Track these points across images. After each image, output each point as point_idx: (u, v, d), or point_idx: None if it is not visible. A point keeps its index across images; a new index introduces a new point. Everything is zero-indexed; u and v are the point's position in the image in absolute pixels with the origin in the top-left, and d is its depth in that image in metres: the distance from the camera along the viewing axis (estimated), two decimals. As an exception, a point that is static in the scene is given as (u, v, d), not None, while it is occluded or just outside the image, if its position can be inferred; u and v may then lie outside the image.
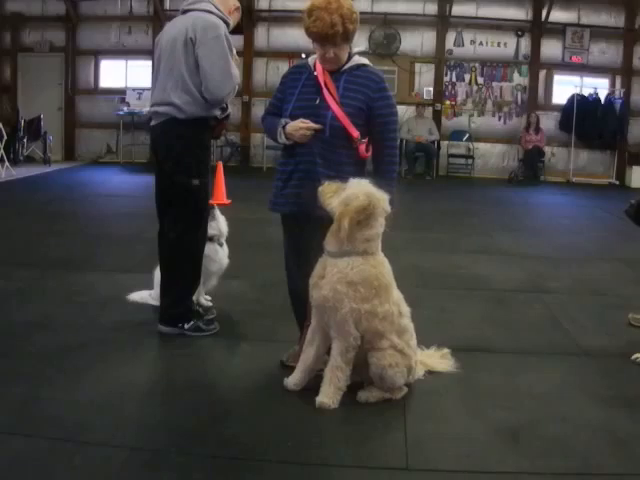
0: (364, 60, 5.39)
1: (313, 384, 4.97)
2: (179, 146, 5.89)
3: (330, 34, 5.07)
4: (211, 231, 6.47)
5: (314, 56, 5.35)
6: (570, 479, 4.10)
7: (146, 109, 6.81)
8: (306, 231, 5.26)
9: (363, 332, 4.87)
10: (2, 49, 21.04)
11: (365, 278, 4.88)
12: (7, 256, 8.70)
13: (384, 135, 5.30)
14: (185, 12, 6.00)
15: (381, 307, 4.98)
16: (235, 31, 6.07)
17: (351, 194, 4.73)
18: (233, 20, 6.10)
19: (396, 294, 5.24)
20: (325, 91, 5.19)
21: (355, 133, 5.16)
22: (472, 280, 8.48)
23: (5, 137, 17.27)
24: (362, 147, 5.26)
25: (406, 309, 5.30)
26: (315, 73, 5.26)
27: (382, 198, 4.97)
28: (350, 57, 5.32)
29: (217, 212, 6.60)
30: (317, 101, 5.21)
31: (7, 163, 17.01)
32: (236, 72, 5.91)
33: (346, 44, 5.24)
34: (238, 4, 6.20)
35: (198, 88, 5.75)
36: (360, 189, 4.80)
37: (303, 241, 5.34)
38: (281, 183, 5.44)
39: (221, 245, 6.63)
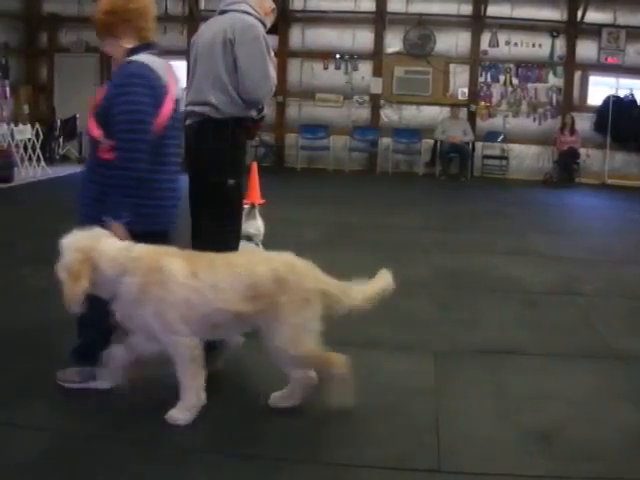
0: (139, 57, 4.98)
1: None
2: (214, 146, 5.89)
3: (96, 29, 5.00)
4: (251, 230, 6.46)
5: None
6: (600, 483, 4.09)
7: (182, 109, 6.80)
8: None
9: None
10: (39, 49, 21.18)
11: None
12: (40, 254, 8.72)
13: (116, 135, 4.79)
14: (223, 13, 6.00)
15: None
16: (270, 32, 6.09)
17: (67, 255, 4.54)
18: (269, 21, 6.12)
19: None
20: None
21: (95, 132, 4.90)
22: (505, 281, 8.45)
23: (41, 136, 17.37)
24: (102, 149, 4.90)
25: None
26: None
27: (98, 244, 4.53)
28: (134, 53, 4.99)
29: (257, 212, 6.59)
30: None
31: (43, 162, 17.10)
32: (274, 73, 5.92)
33: (111, 39, 5.03)
34: (274, 5, 6.21)
35: (235, 88, 5.75)
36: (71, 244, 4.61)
37: None
38: None
39: (258, 245, 6.63)
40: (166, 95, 4.96)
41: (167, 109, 4.97)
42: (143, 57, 4.97)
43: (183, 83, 5.41)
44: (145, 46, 5.08)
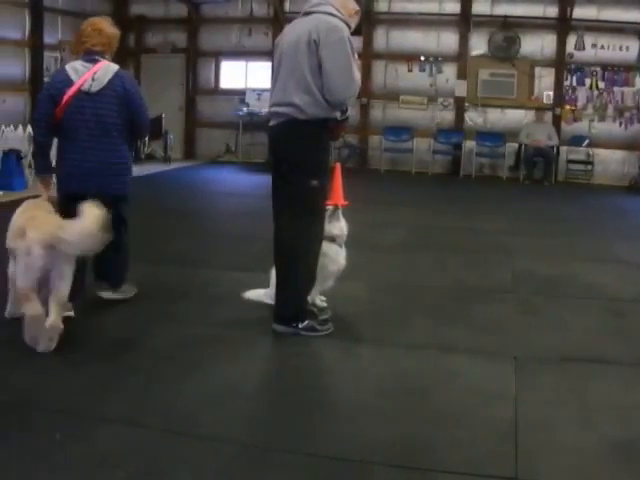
0: (69, 63, 6.69)
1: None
2: (298, 146, 5.93)
3: None
4: (335, 231, 6.48)
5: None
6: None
7: (265, 109, 6.93)
8: None
9: None
10: (127, 50, 21.46)
11: None
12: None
13: None
14: (307, 14, 6.04)
15: None
16: (354, 33, 6.10)
17: None
18: (353, 23, 6.14)
19: None
20: None
21: None
22: (589, 289, 8.32)
23: (128, 135, 17.60)
24: None
25: None
26: None
27: None
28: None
29: (340, 213, 6.61)
30: None
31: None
32: (358, 74, 5.94)
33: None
34: (358, 7, 6.23)
35: (320, 89, 5.78)
36: None
37: None
38: None
39: (340, 246, 6.64)
40: (68, 88, 6.38)
41: (66, 98, 6.37)
42: (71, 63, 6.59)
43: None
44: (82, 55, 6.58)
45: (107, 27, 6.66)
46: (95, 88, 6.43)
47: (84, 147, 6.49)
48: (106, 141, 6.54)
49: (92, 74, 6.42)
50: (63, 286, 5.55)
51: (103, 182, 6.53)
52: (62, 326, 5.50)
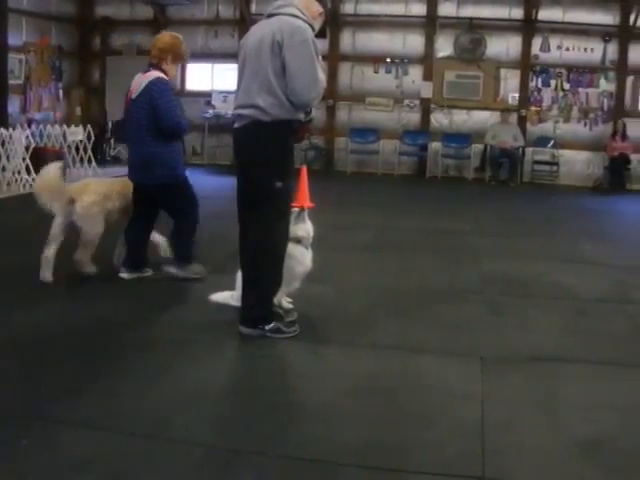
0: None
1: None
2: (263, 148, 5.93)
3: None
4: (300, 233, 6.48)
5: (159, 73, 7.66)
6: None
7: (231, 111, 7.00)
8: None
9: None
10: (91, 52, 21.43)
11: None
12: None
13: None
14: (271, 16, 6.04)
15: None
16: (318, 35, 6.11)
17: None
18: (317, 24, 6.15)
19: None
20: None
21: None
22: (555, 289, 8.38)
23: (93, 138, 17.53)
24: None
25: None
26: None
27: None
28: None
29: (306, 215, 6.61)
30: None
31: (94, 163, 17.27)
32: (322, 76, 5.94)
33: None
34: (322, 9, 6.24)
35: (284, 91, 5.78)
36: None
37: None
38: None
39: (306, 248, 6.65)
40: (127, 93, 7.91)
41: (125, 102, 8.01)
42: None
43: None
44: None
45: (159, 40, 7.87)
46: (134, 95, 7.70)
47: (130, 143, 8.06)
48: (140, 140, 7.68)
49: (137, 83, 7.72)
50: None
51: (139, 173, 7.80)
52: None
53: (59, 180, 7.87)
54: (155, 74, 7.63)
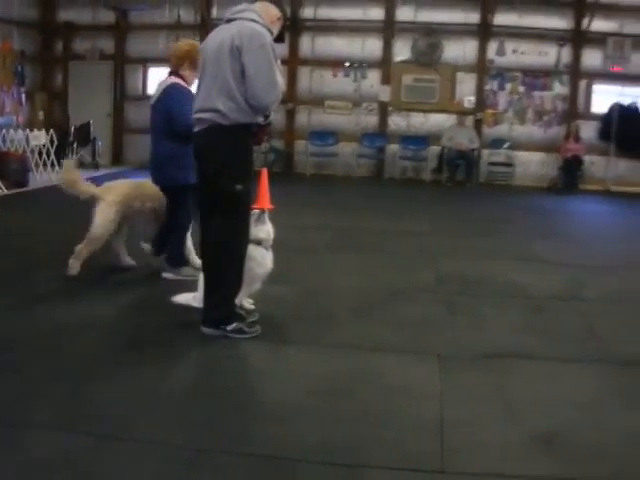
0: None
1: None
2: (223, 151, 5.93)
3: None
4: (261, 235, 6.49)
5: (176, 79, 7.80)
6: (603, 484, 4.10)
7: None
8: None
9: None
10: (54, 57, 21.26)
11: None
12: (56, 257, 8.78)
13: None
14: (230, 21, 6.05)
15: None
16: (276, 39, 6.13)
17: None
18: (275, 29, 6.16)
19: None
20: None
21: None
22: (510, 287, 8.44)
23: (56, 142, 17.43)
24: None
25: None
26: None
27: None
28: None
29: (266, 217, 6.62)
30: None
31: (57, 167, 17.14)
32: (281, 80, 5.96)
33: None
34: (280, 14, 6.26)
35: (243, 95, 5.79)
36: None
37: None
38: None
39: (267, 249, 6.65)
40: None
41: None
42: None
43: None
44: None
45: (177, 48, 8.09)
46: (152, 101, 8.00)
47: (151, 146, 8.05)
48: (156, 142, 7.91)
49: (156, 90, 8.01)
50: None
51: (154, 174, 8.01)
52: None
53: (75, 175, 8.35)
54: (171, 80, 7.84)
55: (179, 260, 8.06)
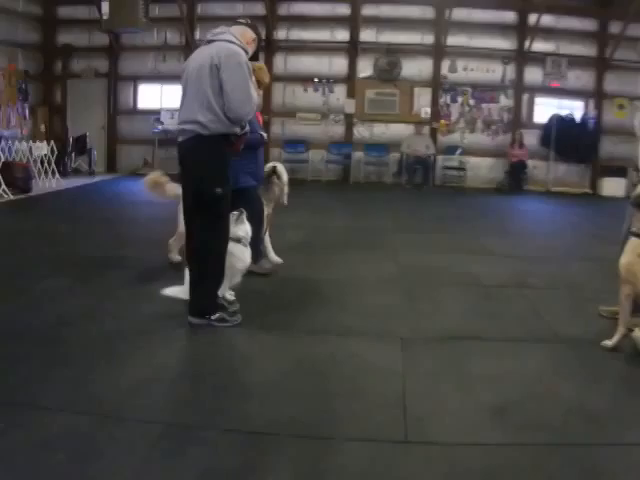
0: None
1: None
2: (204, 159, 5.91)
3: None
4: (240, 233, 6.47)
5: None
6: (547, 449, 4.13)
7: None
8: None
9: None
10: (54, 76, 21.10)
11: None
12: (57, 256, 8.72)
13: None
14: (210, 42, 6.06)
15: None
16: (251, 59, 6.12)
17: None
18: (251, 49, 6.17)
19: None
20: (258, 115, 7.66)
21: None
22: (464, 277, 8.45)
23: (56, 152, 17.33)
24: None
25: None
26: None
27: None
28: None
29: (244, 217, 6.60)
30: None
31: (57, 175, 17.08)
32: (255, 94, 5.96)
33: None
34: (255, 36, 6.27)
35: (221, 108, 5.78)
36: None
37: None
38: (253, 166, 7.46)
39: (246, 246, 6.63)
40: None
41: None
42: None
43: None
44: None
45: None
46: None
47: None
48: None
49: None
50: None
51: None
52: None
53: (162, 179, 8.39)
54: None
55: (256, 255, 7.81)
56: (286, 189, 8.54)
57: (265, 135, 7.71)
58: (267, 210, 8.30)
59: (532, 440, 4.23)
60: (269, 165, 8.56)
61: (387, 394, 4.83)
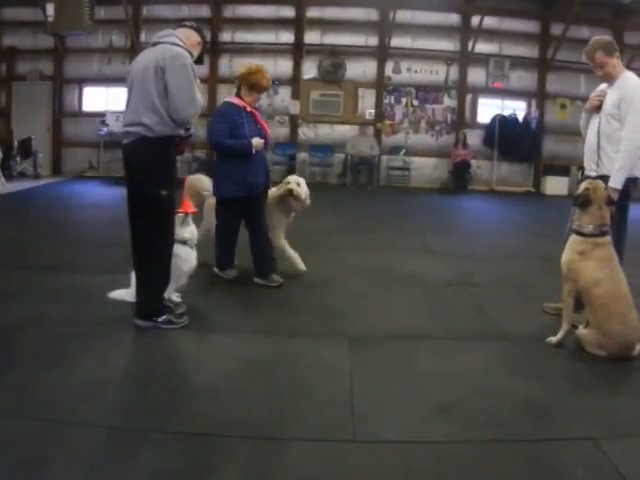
0: None
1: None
2: (149, 161, 5.87)
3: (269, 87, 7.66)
4: (186, 235, 6.46)
5: (232, 99, 7.54)
6: (494, 445, 4.17)
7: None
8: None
9: None
10: (-2, 79, 20.85)
11: None
12: (4, 260, 8.59)
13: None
14: (155, 44, 6.02)
15: None
16: (196, 61, 6.10)
17: None
18: (196, 52, 6.15)
19: None
20: (259, 120, 7.65)
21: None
22: (410, 276, 8.47)
23: (1, 155, 17.09)
24: None
25: None
26: (248, 110, 7.48)
27: None
28: None
29: (190, 219, 6.58)
30: (258, 126, 7.54)
31: (2, 178, 16.82)
32: (199, 96, 5.93)
33: None
34: (200, 39, 6.25)
35: (166, 110, 5.75)
36: None
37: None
38: (240, 175, 7.38)
39: (191, 248, 6.60)
40: None
41: None
42: None
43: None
44: None
45: (238, 71, 7.81)
46: None
47: None
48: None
49: None
50: None
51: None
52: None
53: (203, 183, 8.33)
54: (227, 99, 7.73)
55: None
56: (308, 201, 8.48)
57: (257, 141, 7.42)
58: (287, 220, 8.35)
59: (480, 436, 4.26)
60: (285, 187, 8.26)
61: (335, 394, 4.83)
